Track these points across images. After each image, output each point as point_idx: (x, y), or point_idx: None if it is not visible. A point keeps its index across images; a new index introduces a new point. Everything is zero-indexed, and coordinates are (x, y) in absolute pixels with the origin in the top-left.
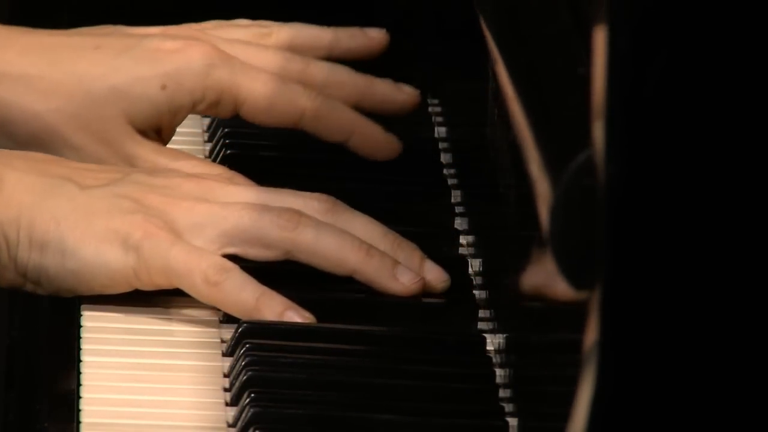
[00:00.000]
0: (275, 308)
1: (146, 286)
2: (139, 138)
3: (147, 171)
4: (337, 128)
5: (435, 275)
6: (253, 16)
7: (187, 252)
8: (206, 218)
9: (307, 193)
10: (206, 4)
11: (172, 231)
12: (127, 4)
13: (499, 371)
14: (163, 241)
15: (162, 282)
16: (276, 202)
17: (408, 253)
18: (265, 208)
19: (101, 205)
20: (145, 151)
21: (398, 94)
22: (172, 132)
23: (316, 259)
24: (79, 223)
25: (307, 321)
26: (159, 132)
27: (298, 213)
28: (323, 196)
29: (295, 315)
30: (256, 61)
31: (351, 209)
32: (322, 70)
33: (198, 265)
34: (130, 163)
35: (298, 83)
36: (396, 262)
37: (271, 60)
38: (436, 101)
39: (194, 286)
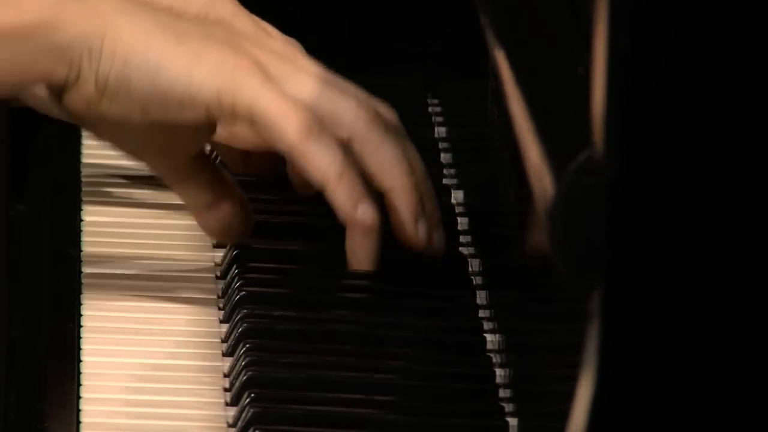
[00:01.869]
0: (350, 193)
1: (224, 120)
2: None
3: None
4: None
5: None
6: (254, 14)
7: (281, 95)
8: (290, 76)
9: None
10: None
11: (261, 72)
12: None
13: (499, 371)
14: (256, 77)
15: (243, 116)
16: (353, 92)
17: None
18: (347, 92)
19: (193, 31)
20: None
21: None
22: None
23: (367, 161)
24: (169, 41)
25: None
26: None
27: (375, 110)
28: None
29: (368, 210)
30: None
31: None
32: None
33: (294, 111)
34: None
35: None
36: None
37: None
38: (436, 101)
39: (283, 132)
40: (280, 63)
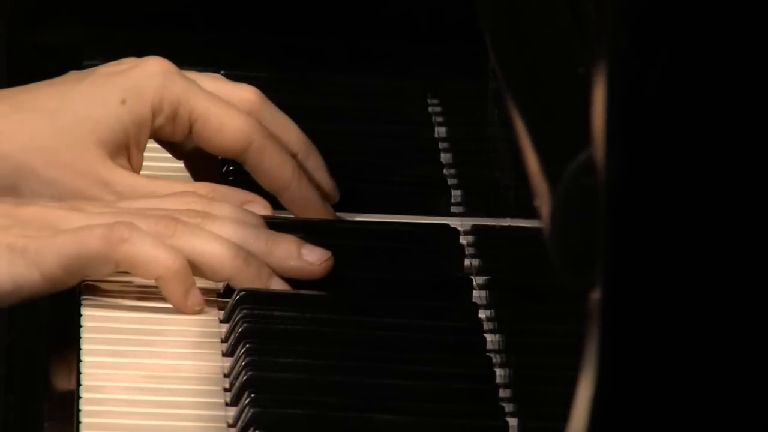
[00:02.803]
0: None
1: (45, 285)
2: (110, 163)
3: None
4: (277, 172)
5: (316, 256)
6: (254, 18)
7: (73, 230)
8: (74, 216)
9: (179, 197)
10: (209, 10)
11: (50, 228)
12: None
13: (499, 371)
14: (45, 236)
15: (58, 272)
16: (155, 204)
17: (284, 246)
18: (143, 215)
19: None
20: (121, 175)
21: (324, 173)
22: (141, 154)
23: (194, 267)
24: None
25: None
26: (128, 152)
27: (175, 220)
28: (192, 200)
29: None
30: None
31: (223, 204)
32: (274, 117)
33: (91, 232)
34: (107, 188)
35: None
36: (271, 273)
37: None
38: (436, 101)
39: (95, 253)
40: (60, 207)
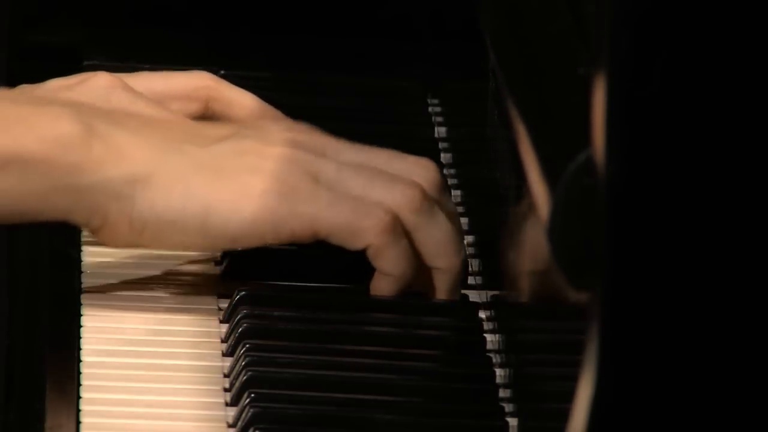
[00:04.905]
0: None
1: (284, 239)
2: None
3: (257, 125)
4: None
5: None
6: (254, 18)
7: (335, 200)
8: (332, 172)
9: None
10: (209, 10)
11: (306, 181)
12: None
13: (499, 371)
14: (303, 193)
15: (303, 233)
16: (399, 172)
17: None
18: (389, 180)
19: (228, 163)
20: None
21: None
22: None
23: (423, 244)
24: (209, 180)
25: None
26: None
27: (424, 193)
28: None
29: None
30: (161, 87)
31: (437, 211)
32: (230, 94)
33: (353, 212)
34: None
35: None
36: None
37: None
38: (436, 101)
39: (352, 233)
40: (321, 160)
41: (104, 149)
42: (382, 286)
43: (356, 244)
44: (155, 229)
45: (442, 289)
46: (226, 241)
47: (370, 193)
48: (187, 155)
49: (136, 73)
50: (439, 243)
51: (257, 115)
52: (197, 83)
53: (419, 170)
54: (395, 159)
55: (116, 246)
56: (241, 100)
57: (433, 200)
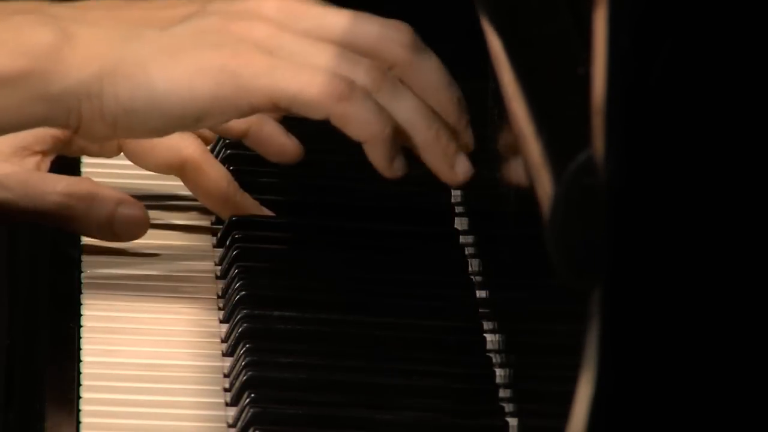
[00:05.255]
0: (387, 152)
1: (245, 113)
2: None
3: None
4: (214, 187)
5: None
6: None
7: (293, 70)
8: (291, 46)
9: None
10: None
11: (264, 54)
12: None
13: (499, 371)
14: (261, 65)
15: (264, 105)
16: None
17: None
18: (351, 60)
19: (186, 43)
20: None
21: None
22: None
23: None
24: (166, 64)
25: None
26: None
27: (382, 71)
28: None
29: (401, 167)
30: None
31: (401, 88)
32: None
33: (311, 79)
34: None
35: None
36: (457, 151)
37: None
38: None
39: (311, 101)
40: (281, 33)
41: (72, 52)
42: (371, 154)
43: (318, 114)
44: (125, 120)
45: (430, 162)
46: (192, 120)
47: (327, 65)
48: (147, 40)
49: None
50: (407, 121)
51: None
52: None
53: (390, 33)
54: (364, 24)
55: (97, 141)
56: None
57: (402, 71)
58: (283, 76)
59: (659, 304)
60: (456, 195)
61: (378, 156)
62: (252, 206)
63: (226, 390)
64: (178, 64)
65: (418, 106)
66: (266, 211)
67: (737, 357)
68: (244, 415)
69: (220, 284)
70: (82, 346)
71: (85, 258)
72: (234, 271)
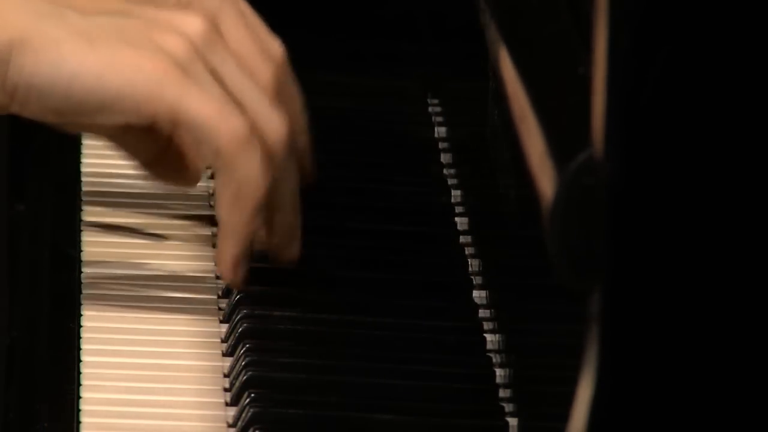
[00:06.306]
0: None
1: (145, 119)
2: None
3: (155, 2)
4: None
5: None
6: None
7: (204, 96)
8: (206, 76)
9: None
10: None
11: (180, 70)
12: None
13: (499, 371)
14: (175, 78)
15: (165, 121)
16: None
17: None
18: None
19: (105, 34)
20: None
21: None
22: None
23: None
24: (81, 48)
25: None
26: None
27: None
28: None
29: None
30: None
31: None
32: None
33: (225, 121)
34: None
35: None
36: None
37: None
38: (436, 101)
39: (211, 136)
40: (197, 58)
41: None
42: (224, 239)
43: (207, 150)
44: (24, 93)
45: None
46: (90, 111)
47: (241, 100)
48: (66, 21)
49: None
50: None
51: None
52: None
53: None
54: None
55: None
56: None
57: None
58: (193, 99)
59: (659, 304)
60: (456, 195)
61: (230, 243)
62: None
63: (226, 390)
64: (93, 51)
65: (294, 191)
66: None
67: (737, 357)
68: (244, 415)
69: (220, 284)
70: (82, 346)
71: (85, 258)
72: None
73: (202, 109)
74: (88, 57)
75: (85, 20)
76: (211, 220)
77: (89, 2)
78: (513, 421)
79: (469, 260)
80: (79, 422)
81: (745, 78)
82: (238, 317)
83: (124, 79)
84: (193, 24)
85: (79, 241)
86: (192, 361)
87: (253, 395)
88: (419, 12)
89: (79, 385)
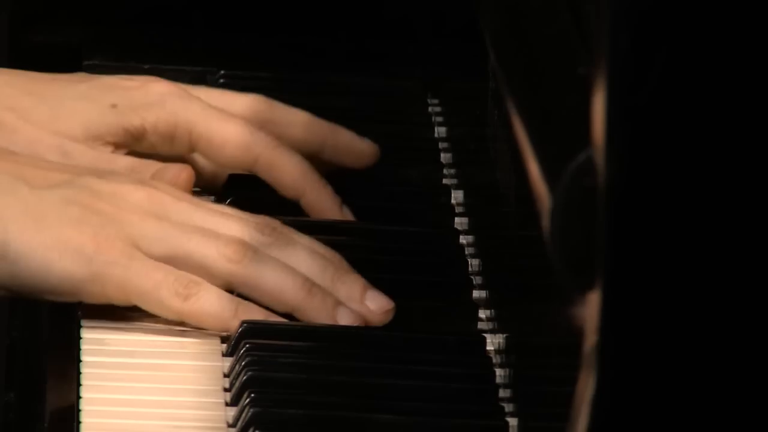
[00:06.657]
0: (255, 317)
1: (96, 299)
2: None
3: (98, 173)
4: (288, 182)
5: (378, 305)
6: (254, 18)
7: (148, 267)
8: (155, 233)
9: (252, 219)
10: (209, 10)
11: (125, 243)
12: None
13: (499, 371)
14: (119, 255)
15: (116, 296)
16: (223, 228)
17: (349, 286)
18: (213, 236)
19: (51, 211)
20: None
21: (359, 144)
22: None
23: (257, 294)
24: (27, 228)
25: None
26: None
27: (245, 245)
28: (266, 223)
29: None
30: (220, 104)
31: (294, 235)
32: (285, 115)
33: (164, 279)
34: (65, 156)
35: (260, 129)
36: (337, 302)
37: (234, 104)
38: (436, 101)
39: (161, 301)
40: (145, 219)
41: None
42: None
43: (161, 313)
44: None
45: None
46: (38, 291)
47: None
48: (16, 197)
49: (196, 87)
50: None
51: (315, 132)
52: (255, 107)
53: (245, 230)
54: (229, 223)
55: None
56: (296, 119)
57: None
58: (138, 272)
59: (659, 304)
60: (456, 195)
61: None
62: (329, 198)
63: (226, 390)
64: (38, 233)
65: (284, 271)
66: (347, 212)
67: (737, 357)
68: (244, 415)
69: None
70: (82, 347)
71: None
72: None
73: (148, 281)
74: (35, 238)
75: (35, 195)
76: None
77: (39, 171)
78: (513, 421)
79: (469, 260)
80: (79, 422)
81: (745, 78)
82: None
83: (68, 262)
84: (136, 193)
85: None
86: (192, 361)
87: (253, 395)
88: (419, 12)
89: (79, 385)
